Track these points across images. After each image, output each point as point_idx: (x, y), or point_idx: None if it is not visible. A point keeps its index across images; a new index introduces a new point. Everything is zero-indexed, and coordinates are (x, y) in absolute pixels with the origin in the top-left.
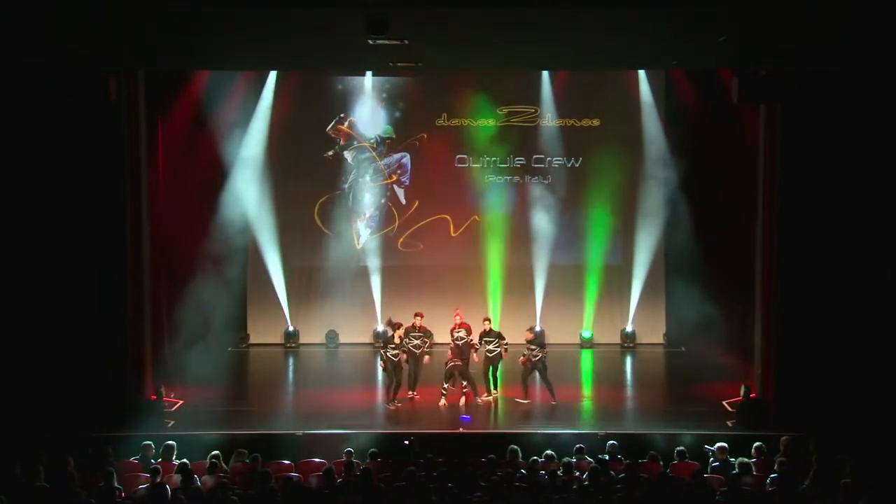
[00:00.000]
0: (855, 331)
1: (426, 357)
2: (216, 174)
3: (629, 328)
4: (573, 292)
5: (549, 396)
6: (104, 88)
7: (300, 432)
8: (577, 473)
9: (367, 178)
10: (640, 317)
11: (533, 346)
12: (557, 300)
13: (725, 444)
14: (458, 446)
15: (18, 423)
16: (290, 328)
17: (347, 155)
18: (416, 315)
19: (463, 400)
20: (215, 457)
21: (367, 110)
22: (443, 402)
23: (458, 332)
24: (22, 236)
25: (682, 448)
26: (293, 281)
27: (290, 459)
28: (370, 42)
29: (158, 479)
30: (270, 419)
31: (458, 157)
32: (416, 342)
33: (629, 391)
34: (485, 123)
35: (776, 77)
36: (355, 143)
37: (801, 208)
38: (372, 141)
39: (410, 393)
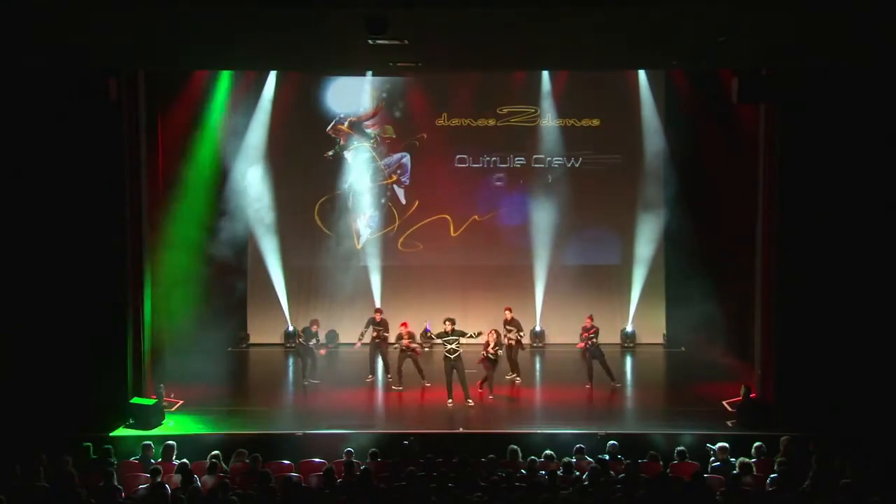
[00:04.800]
0: (854, 331)
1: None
2: (216, 174)
3: (629, 328)
4: (573, 292)
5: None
6: (104, 88)
7: (300, 432)
8: (577, 473)
9: (367, 178)
10: (640, 317)
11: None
12: (557, 300)
13: (726, 444)
14: (458, 446)
15: (18, 423)
16: (290, 328)
17: (347, 155)
18: (376, 311)
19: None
20: (215, 457)
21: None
22: (450, 402)
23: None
24: (22, 236)
25: (682, 448)
26: (293, 281)
27: (290, 459)
28: (370, 42)
29: (158, 479)
30: (270, 419)
31: (458, 157)
32: (382, 333)
33: (629, 391)
34: (485, 123)
35: (776, 77)
36: (355, 143)
37: (800, 208)
38: (372, 140)
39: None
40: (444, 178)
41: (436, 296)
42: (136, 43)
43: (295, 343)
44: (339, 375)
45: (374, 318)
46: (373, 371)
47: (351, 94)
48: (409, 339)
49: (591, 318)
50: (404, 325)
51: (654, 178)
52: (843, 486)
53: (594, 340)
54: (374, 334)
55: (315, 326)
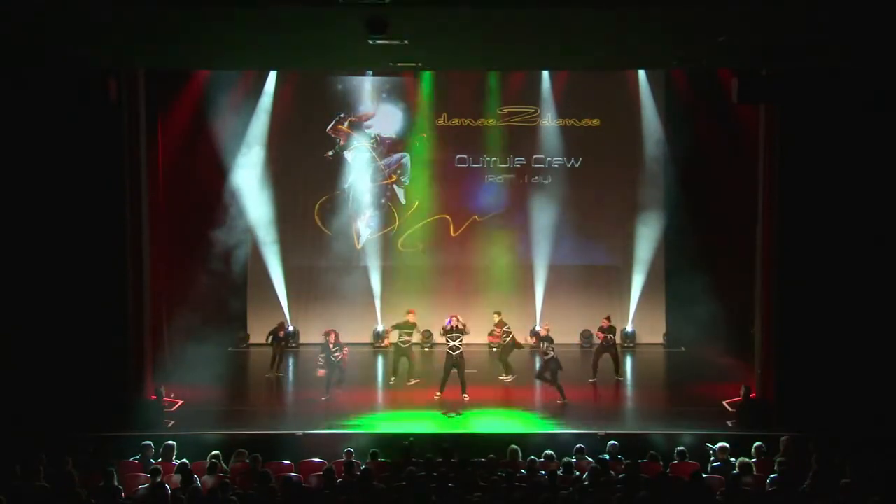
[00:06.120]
0: (855, 331)
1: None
2: (216, 174)
3: (629, 328)
4: (573, 292)
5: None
6: (104, 88)
7: (300, 432)
8: (577, 473)
9: (367, 178)
10: (640, 317)
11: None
12: (557, 300)
13: (727, 444)
14: (458, 446)
15: (18, 423)
16: (290, 328)
17: (347, 155)
18: (409, 312)
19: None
20: (215, 457)
21: (384, 111)
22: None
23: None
24: (22, 237)
25: (682, 448)
26: (293, 281)
27: (290, 459)
28: (370, 42)
29: (158, 479)
30: (270, 419)
31: (458, 157)
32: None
33: (629, 391)
34: (485, 123)
35: (776, 77)
36: (355, 142)
37: (800, 208)
38: (372, 140)
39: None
40: (444, 178)
41: (436, 296)
42: (136, 43)
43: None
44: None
45: (407, 321)
46: (395, 373)
47: (391, 116)
48: (334, 344)
49: (608, 318)
50: (331, 332)
51: (654, 178)
52: (843, 486)
53: (610, 336)
54: (406, 337)
55: (281, 331)
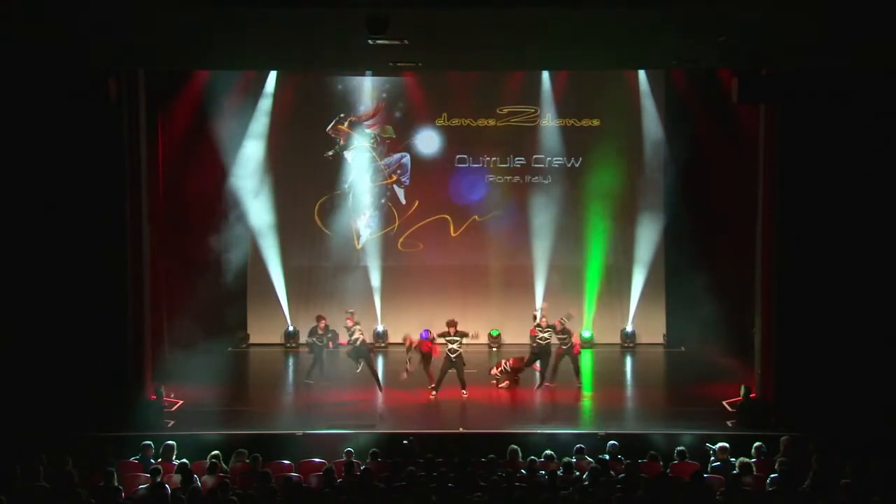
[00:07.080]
0: (855, 331)
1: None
2: (216, 174)
3: (629, 328)
4: (573, 292)
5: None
6: (104, 88)
7: (300, 432)
8: (577, 473)
9: (367, 178)
10: (640, 317)
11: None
12: (558, 300)
13: (727, 444)
14: (458, 446)
15: (18, 423)
16: (290, 328)
17: (347, 155)
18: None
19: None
20: (215, 457)
21: (426, 134)
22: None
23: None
24: (22, 237)
25: (682, 448)
26: (293, 281)
27: (290, 459)
28: (370, 42)
29: (158, 479)
30: (270, 419)
31: (458, 157)
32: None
33: (629, 391)
34: (485, 123)
35: (776, 77)
36: (355, 142)
37: (800, 208)
38: (372, 140)
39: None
40: (444, 178)
41: (436, 296)
42: (136, 43)
43: (310, 342)
44: (339, 375)
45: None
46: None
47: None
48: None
49: (560, 320)
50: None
51: (654, 179)
52: (843, 486)
53: (566, 338)
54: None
55: (322, 322)
